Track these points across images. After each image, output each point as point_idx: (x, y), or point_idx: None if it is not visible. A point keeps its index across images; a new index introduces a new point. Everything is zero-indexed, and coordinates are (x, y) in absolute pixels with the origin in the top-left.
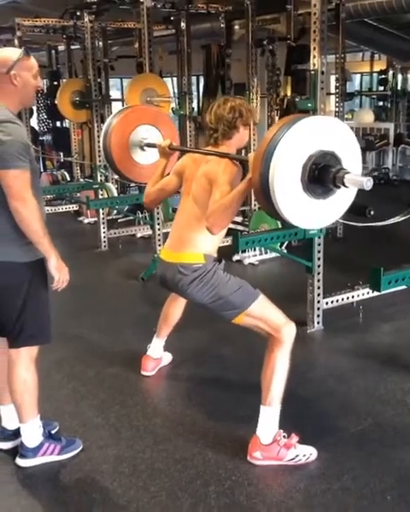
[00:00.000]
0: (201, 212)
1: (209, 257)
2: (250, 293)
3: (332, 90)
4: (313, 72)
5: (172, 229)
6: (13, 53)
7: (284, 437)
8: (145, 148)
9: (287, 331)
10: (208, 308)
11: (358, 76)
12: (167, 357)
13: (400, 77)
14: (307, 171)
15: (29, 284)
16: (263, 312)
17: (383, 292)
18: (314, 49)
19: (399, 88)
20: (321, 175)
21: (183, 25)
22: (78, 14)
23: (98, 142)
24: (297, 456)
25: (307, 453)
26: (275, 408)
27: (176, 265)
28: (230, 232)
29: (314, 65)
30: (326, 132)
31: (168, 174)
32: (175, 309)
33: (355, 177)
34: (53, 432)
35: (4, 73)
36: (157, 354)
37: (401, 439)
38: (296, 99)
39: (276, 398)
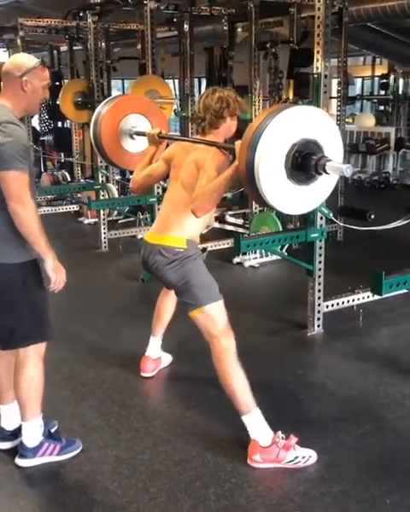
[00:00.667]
0: (188, 198)
1: (192, 242)
2: (214, 294)
3: (334, 93)
4: (316, 76)
5: (158, 213)
6: (30, 60)
7: (282, 438)
8: (135, 136)
9: (228, 341)
10: (176, 290)
11: (359, 80)
12: (167, 358)
13: (401, 81)
14: (290, 158)
15: (22, 284)
16: (216, 316)
17: (384, 296)
18: (318, 52)
19: (400, 92)
20: (304, 162)
21: (186, 27)
22: (81, 14)
23: None
24: (296, 457)
25: (306, 455)
26: (253, 412)
27: (158, 247)
28: (231, 234)
29: (318, 68)
30: (309, 121)
31: (157, 161)
32: (167, 304)
33: (336, 164)
34: (52, 431)
35: (17, 77)
36: (156, 354)
37: (401, 442)
38: (299, 102)
39: (247, 402)
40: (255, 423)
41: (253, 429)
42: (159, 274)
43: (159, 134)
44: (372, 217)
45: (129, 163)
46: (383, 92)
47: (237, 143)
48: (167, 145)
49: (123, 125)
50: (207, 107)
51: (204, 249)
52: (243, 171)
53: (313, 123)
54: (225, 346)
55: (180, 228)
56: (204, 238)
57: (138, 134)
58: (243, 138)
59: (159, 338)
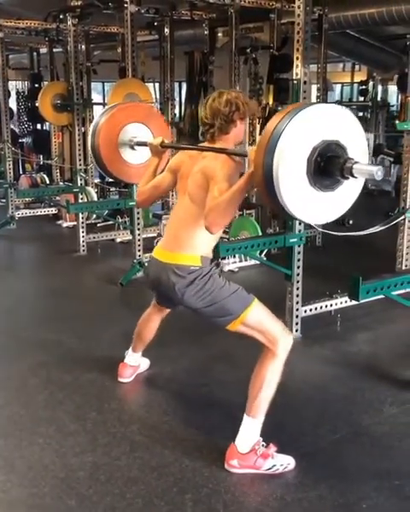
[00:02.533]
0: (197, 211)
1: (206, 259)
2: (244, 298)
3: (314, 99)
4: (295, 82)
5: (167, 228)
6: None
7: (262, 446)
8: (136, 147)
9: (283, 345)
10: (201, 313)
11: (339, 86)
12: (145, 363)
13: (380, 88)
14: (312, 163)
15: None
16: (260, 323)
17: (361, 301)
18: (297, 58)
19: (379, 99)
20: (328, 167)
21: (166, 31)
22: (61, 17)
23: (79, 145)
24: (274, 465)
25: (284, 463)
26: (258, 420)
27: (171, 266)
28: None
29: (297, 74)
30: (330, 121)
31: (162, 172)
32: (149, 329)
33: (365, 166)
34: None
35: None
36: (134, 363)
37: (377, 448)
38: (278, 108)
39: (262, 410)
40: (252, 430)
41: (244, 433)
42: (179, 298)
43: (161, 143)
44: (351, 222)
45: (131, 176)
46: (361, 98)
47: (251, 149)
48: (172, 155)
49: (122, 135)
50: (215, 112)
51: (217, 264)
52: (260, 178)
53: (334, 121)
54: (280, 351)
55: (192, 245)
56: None
57: (139, 144)
58: (259, 142)
59: (139, 353)
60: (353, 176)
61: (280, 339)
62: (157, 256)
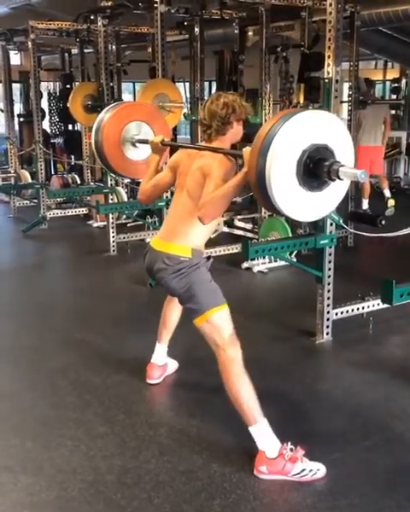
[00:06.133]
0: (194, 206)
1: (197, 251)
2: (217, 299)
3: (345, 98)
4: (327, 80)
5: (165, 220)
6: None
7: (290, 450)
8: (137, 144)
9: (233, 351)
10: (179, 297)
11: None
12: (173, 365)
13: None
14: (302, 165)
15: None
16: (221, 324)
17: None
18: (329, 57)
19: None
20: (316, 169)
21: (196, 30)
22: (91, 17)
23: None
24: (304, 470)
25: (314, 468)
26: (260, 423)
27: (162, 254)
28: (239, 239)
29: (329, 73)
30: (319, 126)
31: (162, 169)
32: (173, 311)
33: (350, 169)
34: None
35: None
36: (162, 361)
37: None
38: (309, 106)
39: (255, 413)
40: (262, 434)
41: (260, 440)
42: (162, 282)
43: (162, 141)
44: (383, 222)
45: (133, 172)
46: (394, 96)
47: (246, 150)
48: (172, 152)
49: (125, 132)
50: (212, 114)
51: (209, 257)
52: (254, 178)
53: (323, 127)
54: (231, 356)
55: (186, 237)
56: (213, 242)
57: (141, 142)
58: (253, 145)
59: (165, 345)
60: (339, 178)
61: (231, 344)
62: (153, 244)
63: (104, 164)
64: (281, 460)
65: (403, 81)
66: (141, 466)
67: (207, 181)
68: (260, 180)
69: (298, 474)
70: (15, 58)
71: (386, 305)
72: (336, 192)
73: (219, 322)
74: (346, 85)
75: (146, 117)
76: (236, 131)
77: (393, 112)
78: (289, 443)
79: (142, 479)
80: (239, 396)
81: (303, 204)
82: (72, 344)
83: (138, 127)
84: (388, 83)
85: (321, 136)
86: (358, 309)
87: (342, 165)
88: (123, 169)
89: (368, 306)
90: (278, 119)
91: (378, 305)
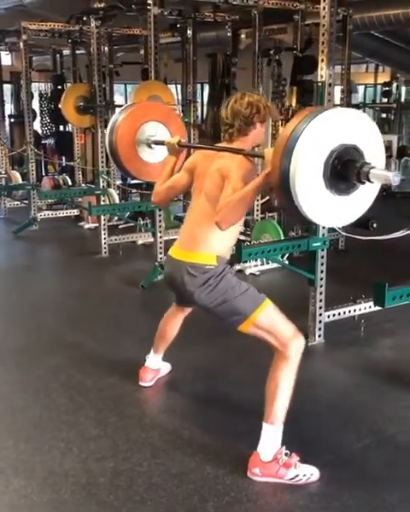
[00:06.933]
0: (213, 210)
1: (221, 259)
2: (255, 298)
3: (337, 101)
4: (319, 84)
5: (183, 227)
6: None
7: (285, 455)
8: (153, 145)
9: (294, 347)
10: (213, 312)
11: (362, 87)
12: (166, 368)
13: (404, 89)
14: (329, 166)
15: None
16: (271, 324)
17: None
18: (322, 60)
19: (402, 100)
20: (344, 170)
21: (189, 32)
22: (84, 19)
23: (101, 147)
24: (297, 475)
25: (307, 473)
26: (278, 426)
27: (185, 265)
28: None
29: (322, 76)
30: (348, 125)
31: (178, 171)
32: (172, 327)
33: (381, 171)
34: None
35: None
36: (155, 366)
37: (402, 457)
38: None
39: (279, 416)
40: (271, 438)
41: (265, 441)
42: (191, 298)
43: (178, 142)
44: (375, 226)
45: (147, 174)
46: (385, 100)
47: (268, 150)
48: (188, 154)
49: (140, 133)
50: (236, 113)
51: (231, 263)
52: (277, 180)
53: (351, 126)
54: (292, 354)
55: (207, 243)
56: None
57: (157, 143)
58: (276, 145)
59: (160, 355)
60: (369, 180)
61: (292, 341)
62: (173, 254)
63: (118, 166)
64: (275, 464)
65: (394, 85)
66: (134, 468)
67: (226, 184)
68: (284, 182)
69: (292, 478)
70: (6, 58)
71: (378, 308)
72: (364, 196)
73: (266, 323)
74: (338, 89)
75: (162, 117)
76: (258, 132)
77: (384, 115)
78: (284, 447)
79: (135, 481)
80: (277, 393)
81: (330, 208)
82: (63, 346)
83: (154, 128)
84: (379, 86)
85: (350, 136)
86: (350, 311)
87: (373, 167)
88: (138, 171)
89: (360, 309)
90: (303, 117)
91: (370, 307)
